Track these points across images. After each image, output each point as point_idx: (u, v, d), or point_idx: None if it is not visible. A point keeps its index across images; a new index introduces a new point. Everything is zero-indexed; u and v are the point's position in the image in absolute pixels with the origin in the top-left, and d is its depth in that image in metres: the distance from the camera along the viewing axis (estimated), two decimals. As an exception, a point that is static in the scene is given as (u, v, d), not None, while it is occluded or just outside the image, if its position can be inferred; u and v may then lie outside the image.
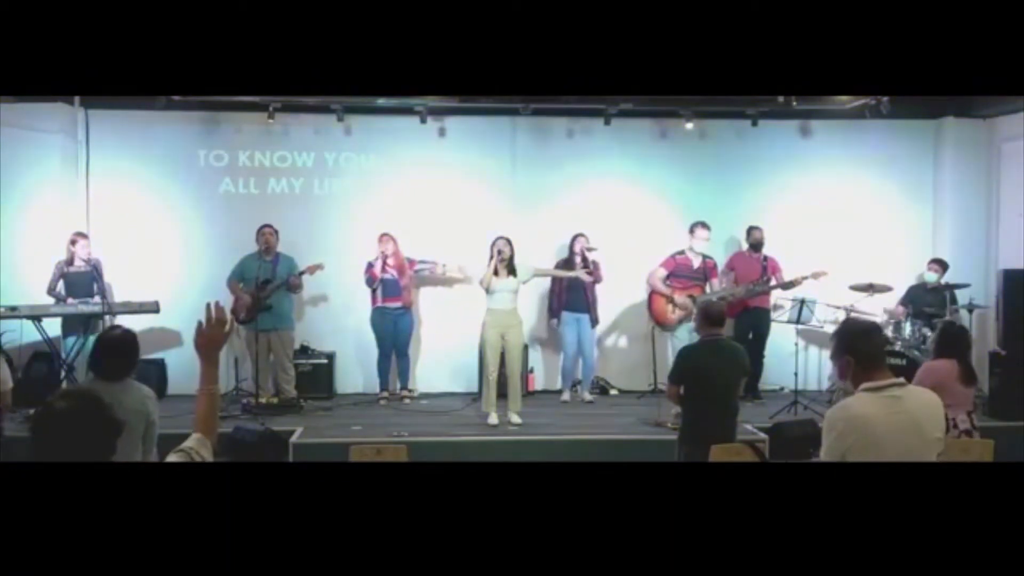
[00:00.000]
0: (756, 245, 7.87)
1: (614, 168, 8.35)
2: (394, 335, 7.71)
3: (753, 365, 6.95)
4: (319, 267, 7.37)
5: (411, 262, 7.78)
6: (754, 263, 7.82)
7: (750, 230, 7.93)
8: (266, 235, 7.40)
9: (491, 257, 6.66)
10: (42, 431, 2.02)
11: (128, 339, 3.80)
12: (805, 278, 7.37)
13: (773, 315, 7.86)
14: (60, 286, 7.22)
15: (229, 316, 2.48)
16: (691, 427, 4.74)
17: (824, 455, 2.78)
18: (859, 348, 2.78)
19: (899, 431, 2.70)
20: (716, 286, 7.64)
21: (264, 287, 7.22)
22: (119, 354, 3.74)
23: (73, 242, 7.27)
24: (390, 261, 7.58)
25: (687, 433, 4.78)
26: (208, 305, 2.51)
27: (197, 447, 2.38)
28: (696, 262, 7.66)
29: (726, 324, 5.38)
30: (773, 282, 7.64)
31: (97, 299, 7.09)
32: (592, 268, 7.70)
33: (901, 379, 2.77)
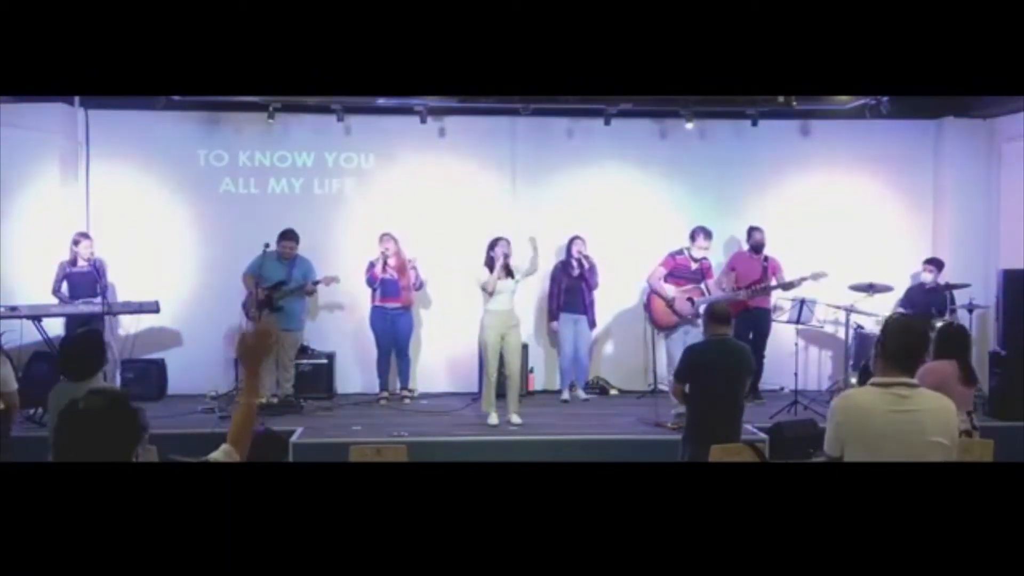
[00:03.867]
0: (757, 247, 7.87)
1: (614, 168, 8.35)
2: (393, 335, 7.72)
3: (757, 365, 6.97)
4: (335, 279, 7.40)
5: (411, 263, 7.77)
6: (755, 264, 7.82)
7: (751, 231, 7.92)
8: (285, 248, 7.39)
9: (494, 260, 6.64)
10: (68, 429, 2.02)
11: (91, 338, 3.85)
12: (805, 279, 7.37)
13: (773, 315, 7.86)
14: (63, 286, 7.23)
15: (272, 327, 2.46)
16: (696, 426, 4.75)
17: (825, 444, 2.86)
18: (886, 339, 2.84)
19: (898, 429, 2.72)
20: (712, 286, 7.64)
21: (278, 288, 7.23)
22: (82, 353, 3.78)
23: (76, 242, 7.29)
24: (391, 261, 7.58)
25: (692, 432, 4.78)
26: (255, 316, 2.49)
27: (223, 460, 2.35)
28: (693, 263, 7.66)
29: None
30: (774, 283, 7.64)
31: (98, 299, 7.09)
32: (588, 273, 7.69)
33: (913, 380, 2.77)
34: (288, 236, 7.45)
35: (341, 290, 8.11)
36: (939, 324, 5.77)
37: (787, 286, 7.50)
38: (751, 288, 7.57)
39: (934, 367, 4.59)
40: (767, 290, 7.63)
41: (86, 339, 3.89)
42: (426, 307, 8.25)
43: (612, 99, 7.53)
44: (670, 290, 7.49)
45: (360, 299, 7.89)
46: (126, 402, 2.10)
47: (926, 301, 7.49)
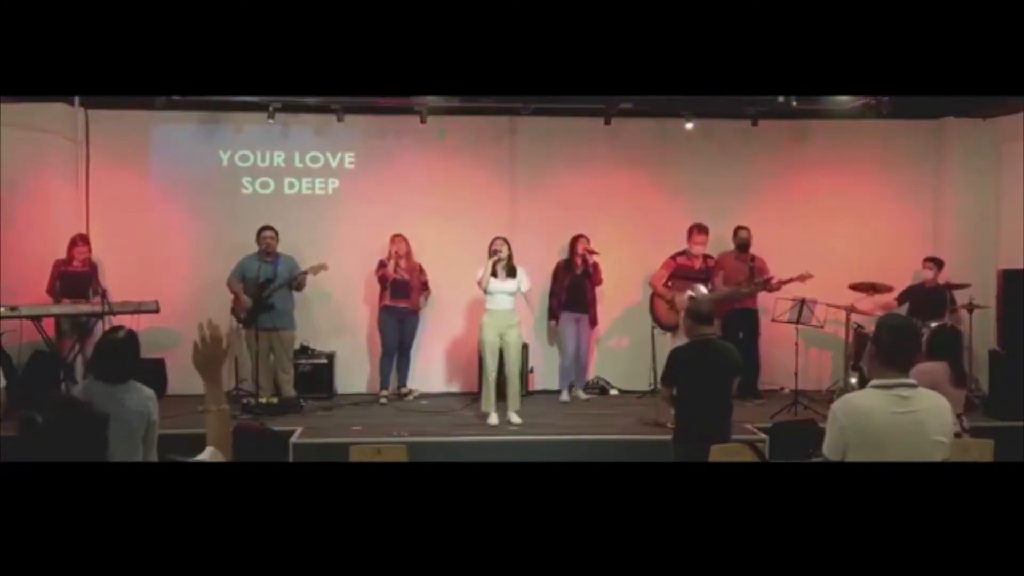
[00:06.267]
0: (742, 245, 7.88)
1: (614, 168, 8.35)
2: (400, 335, 7.74)
3: (748, 365, 6.97)
4: (323, 267, 7.36)
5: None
6: (740, 264, 7.83)
7: (737, 230, 7.93)
8: (267, 239, 7.40)
9: (488, 257, 6.66)
10: (30, 446, 2.01)
11: (129, 340, 3.76)
12: (792, 280, 7.37)
13: (774, 315, 7.85)
14: (57, 285, 7.24)
15: (224, 335, 2.45)
16: (685, 427, 4.74)
17: (825, 448, 2.83)
18: (882, 340, 2.83)
19: (901, 430, 2.72)
20: (718, 286, 7.64)
21: (265, 286, 7.23)
22: (119, 355, 3.69)
23: (74, 243, 7.29)
24: (402, 263, 7.61)
25: (681, 433, 4.78)
26: (201, 324, 2.44)
27: (210, 461, 2.35)
28: (698, 263, 7.66)
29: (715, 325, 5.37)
30: (774, 280, 7.63)
31: (96, 299, 7.09)
32: (591, 270, 7.76)
33: (912, 380, 2.78)
34: (268, 228, 7.46)
35: (341, 289, 8.12)
36: (933, 325, 5.76)
37: (770, 287, 7.49)
38: (753, 285, 7.57)
39: (927, 368, 4.60)
40: (753, 291, 7.64)
41: (124, 342, 3.78)
42: (426, 307, 8.24)
43: (612, 99, 7.53)
44: (669, 293, 7.50)
45: (360, 298, 7.89)
46: (69, 401, 2.09)
47: (925, 300, 7.48)
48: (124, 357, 3.69)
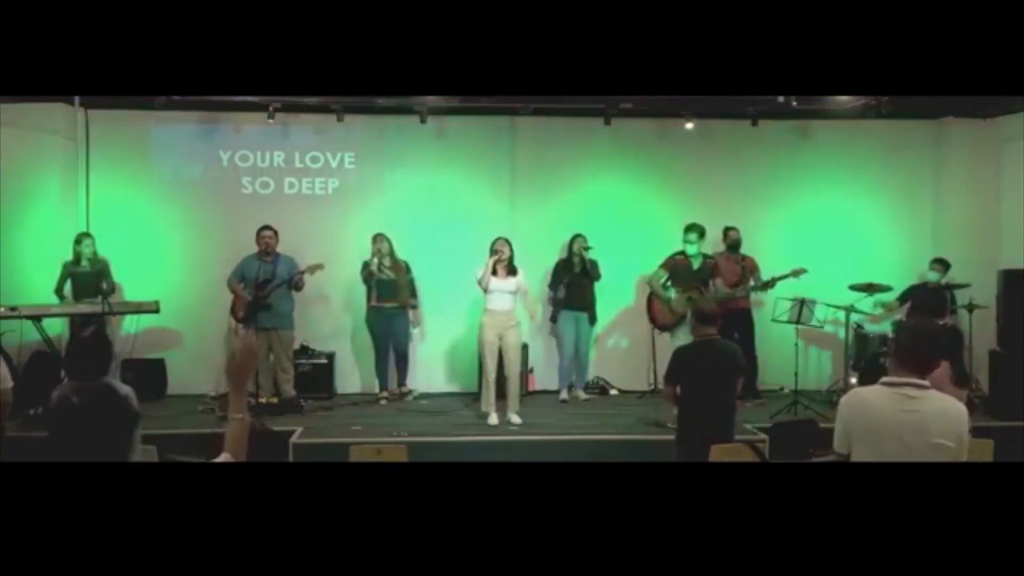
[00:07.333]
0: (733, 245, 7.88)
1: (614, 168, 8.35)
2: (391, 335, 7.73)
3: (746, 365, 6.95)
4: (319, 267, 7.35)
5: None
6: (732, 264, 7.82)
7: (726, 231, 7.92)
8: (265, 238, 7.39)
9: (490, 257, 6.66)
10: (59, 427, 2.01)
11: (98, 337, 3.80)
12: (785, 276, 7.36)
13: (774, 315, 7.85)
14: (67, 286, 7.23)
15: (257, 346, 2.48)
16: (688, 427, 4.76)
17: (834, 440, 2.93)
18: (899, 340, 2.92)
19: (902, 428, 2.74)
20: (720, 286, 7.63)
21: (263, 286, 7.22)
22: (94, 354, 3.73)
23: (79, 241, 7.29)
24: (385, 261, 7.59)
25: (684, 433, 4.80)
26: (239, 335, 2.50)
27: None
28: (696, 262, 7.65)
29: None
30: (752, 283, 7.64)
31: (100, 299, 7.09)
32: (590, 267, 7.75)
33: (923, 381, 2.78)
34: (267, 227, 7.44)
35: (341, 290, 8.12)
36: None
37: (765, 285, 7.49)
38: (751, 286, 7.56)
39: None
40: (751, 290, 7.63)
41: (93, 341, 3.83)
42: (425, 307, 8.24)
43: (612, 99, 7.53)
44: (671, 291, 7.49)
45: (360, 299, 7.88)
46: (111, 392, 2.09)
47: (927, 300, 7.47)
48: (98, 355, 3.72)
